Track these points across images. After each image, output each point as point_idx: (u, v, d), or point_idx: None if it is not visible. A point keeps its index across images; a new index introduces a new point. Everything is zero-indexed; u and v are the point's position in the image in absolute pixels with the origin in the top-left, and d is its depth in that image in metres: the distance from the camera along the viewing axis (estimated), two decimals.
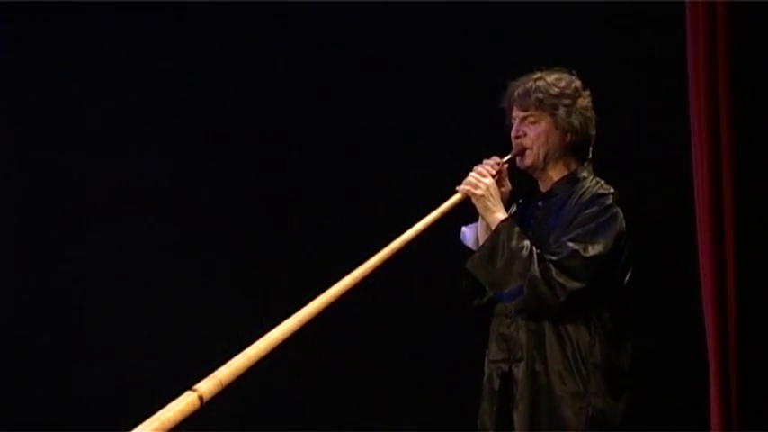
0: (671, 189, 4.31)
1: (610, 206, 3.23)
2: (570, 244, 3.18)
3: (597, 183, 3.31)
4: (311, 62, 5.13)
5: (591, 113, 3.35)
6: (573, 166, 3.35)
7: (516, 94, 3.34)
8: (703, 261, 3.88)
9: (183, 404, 2.50)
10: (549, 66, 3.38)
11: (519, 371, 3.21)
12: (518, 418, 3.20)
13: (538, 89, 3.30)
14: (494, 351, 3.32)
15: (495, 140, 3.41)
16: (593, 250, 3.16)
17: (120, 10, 5.29)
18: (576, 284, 3.15)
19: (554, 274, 3.15)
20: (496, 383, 3.28)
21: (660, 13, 4.37)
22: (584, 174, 3.34)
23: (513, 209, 3.45)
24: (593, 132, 3.37)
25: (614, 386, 3.22)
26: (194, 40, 5.31)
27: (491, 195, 3.28)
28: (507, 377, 3.26)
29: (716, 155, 3.83)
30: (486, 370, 3.34)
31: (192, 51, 5.32)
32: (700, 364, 3.90)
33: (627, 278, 3.26)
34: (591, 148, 3.38)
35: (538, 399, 3.19)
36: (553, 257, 3.17)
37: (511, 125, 3.38)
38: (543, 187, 3.40)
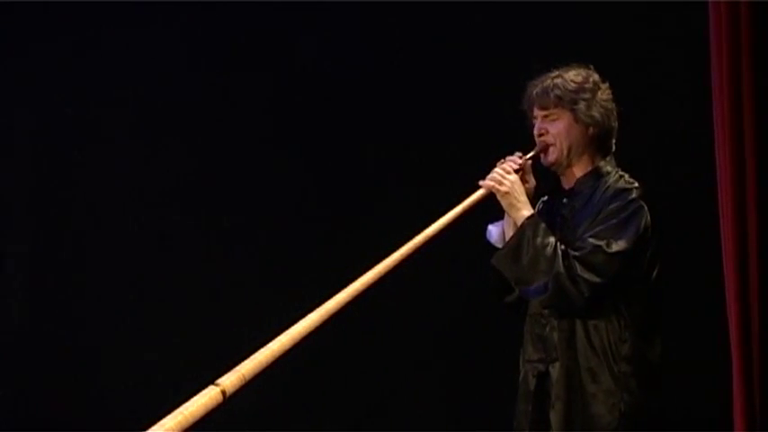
0: (694, 188, 4.29)
1: (633, 200, 3.21)
2: (593, 240, 3.16)
3: (621, 177, 3.30)
4: (335, 55, 5.12)
5: (611, 105, 3.35)
6: (596, 161, 3.34)
7: (535, 93, 3.35)
8: (726, 260, 3.85)
9: (206, 398, 2.53)
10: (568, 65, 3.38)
11: (555, 371, 3.21)
12: (554, 417, 3.20)
13: (556, 86, 3.31)
14: (529, 351, 3.31)
15: (522, 136, 3.41)
16: (617, 246, 3.15)
17: (141, 3, 5.31)
18: (601, 280, 3.14)
19: (578, 271, 3.14)
20: (532, 383, 3.27)
21: (683, 12, 4.36)
22: (608, 168, 3.32)
23: (540, 206, 3.44)
24: (615, 124, 3.36)
25: (647, 381, 3.20)
26: (217, 33, 5.31)
27: (516, 192, 3.28)
28: (543, 377, 3.25)
29: (739, 154, 3.79)
30: (522, 370, 3.33)
31: (214, 46, 5.33)
32: (723, 362, 3.87)
33: (655, 272, 3.24)
34: (614, 141, 3.37)
35: (573, 397, 3.18)
36: (576, 253, 3.16)
37: (532, 125, 3.39)
38: (567, 184, 3.38)
